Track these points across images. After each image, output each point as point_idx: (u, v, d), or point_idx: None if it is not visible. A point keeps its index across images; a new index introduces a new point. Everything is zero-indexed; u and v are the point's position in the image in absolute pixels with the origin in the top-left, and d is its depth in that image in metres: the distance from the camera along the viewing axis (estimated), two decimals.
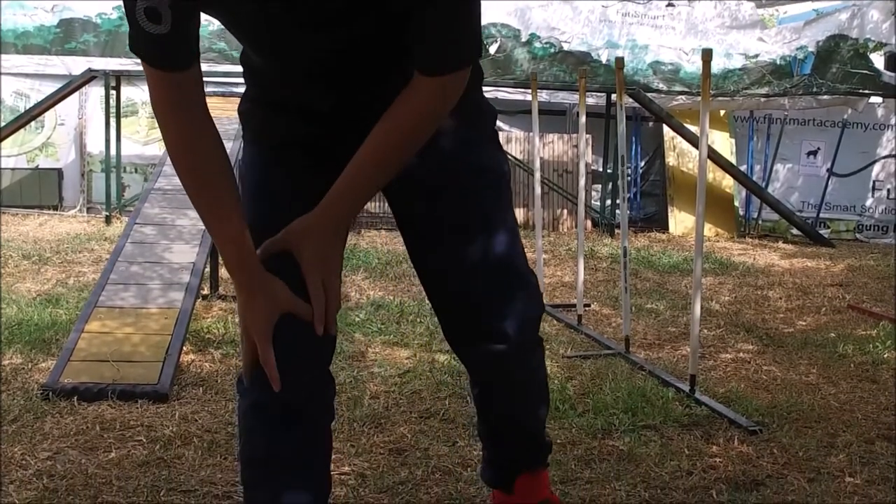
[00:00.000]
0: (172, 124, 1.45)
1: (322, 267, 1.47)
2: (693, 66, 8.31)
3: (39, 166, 8.08)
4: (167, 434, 2.63)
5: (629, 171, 8.21)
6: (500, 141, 1.77)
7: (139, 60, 1.43)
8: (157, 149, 7.76)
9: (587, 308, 4.54)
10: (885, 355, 3.84)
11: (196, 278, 3.67)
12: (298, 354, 1.50)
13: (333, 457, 1.74)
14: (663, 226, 8.25)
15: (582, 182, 4.27)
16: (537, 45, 8.27)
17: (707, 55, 3.09)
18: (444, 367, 3.39)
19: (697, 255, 3.19)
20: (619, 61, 3.60)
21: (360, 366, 3.41)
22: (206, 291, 4.32)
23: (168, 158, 4.58)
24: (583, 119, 4.18)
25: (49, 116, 7.95)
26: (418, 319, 4.17)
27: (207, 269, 4.08)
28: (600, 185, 8.12)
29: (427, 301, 1.75)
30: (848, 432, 2.84)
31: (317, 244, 1.47)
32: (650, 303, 4.86)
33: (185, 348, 3.38)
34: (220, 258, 4.09)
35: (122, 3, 1.40)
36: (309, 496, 1.56)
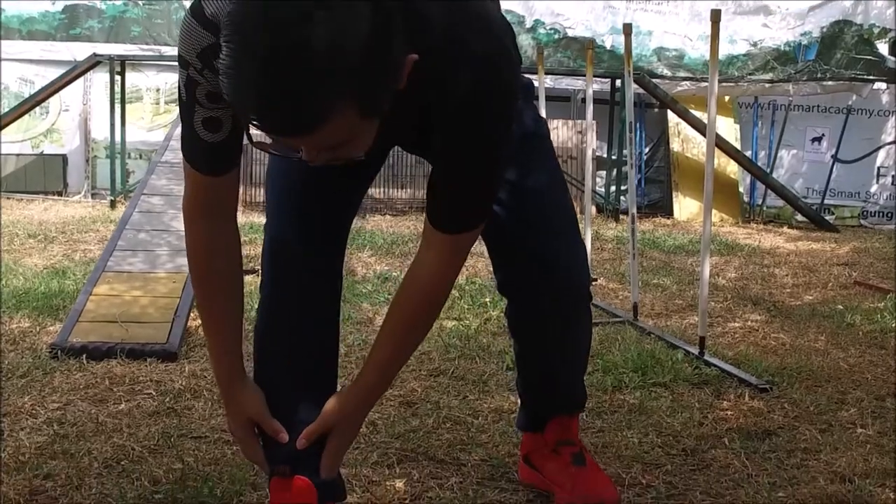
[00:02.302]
0: (200, 228, 1.51)
1: (344, 436, 1.61)
2: (697, 52, 8.30)
3: (44, 152, 8.08)
4: (177, 387, 2.63)
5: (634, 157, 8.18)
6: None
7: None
8: (162, 135, 7.74)
9: (594, 282, 4.53)
10: (894, 325, 3.83)
11: None
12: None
13: None
14: (668, 212, 8.24)
15: (589, 153, 4.26)
16: (541, 31, 8.26)
17: (715, 16, 3.08)
18: (452, 332, 3.39)
19: (707, 215, 3.19)
20: (627, 27, 3.59)
21: (369, 330, 3.40)
22: None
23: (175, 132, 4.58)
24: (590, 91, 4.17)
25: (54, 102, 7.93)
26: None
27: None
28: (604, 172, 8.10)
29: None
30: (858, 390, 2.85)
31: (347, 422, 1.59)
32: (657, 279, 4.85)
33: (192, 315, 3.38)
34: None
35: (179, 110, 1.42)
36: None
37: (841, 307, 4.19)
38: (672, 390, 2.76)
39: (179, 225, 3.81)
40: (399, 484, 1.98)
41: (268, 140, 1.27)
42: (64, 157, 8.10)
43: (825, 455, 2.25)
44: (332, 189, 1.62)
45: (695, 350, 3.15)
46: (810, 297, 4.53)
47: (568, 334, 1.85)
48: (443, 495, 1.93)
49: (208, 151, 1.42)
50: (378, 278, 4.47)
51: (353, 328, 3.42)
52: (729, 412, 2.58)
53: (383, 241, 5.70)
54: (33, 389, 2.58)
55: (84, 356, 2.86)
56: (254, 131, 1.22)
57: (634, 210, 3.80)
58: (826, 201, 8.51)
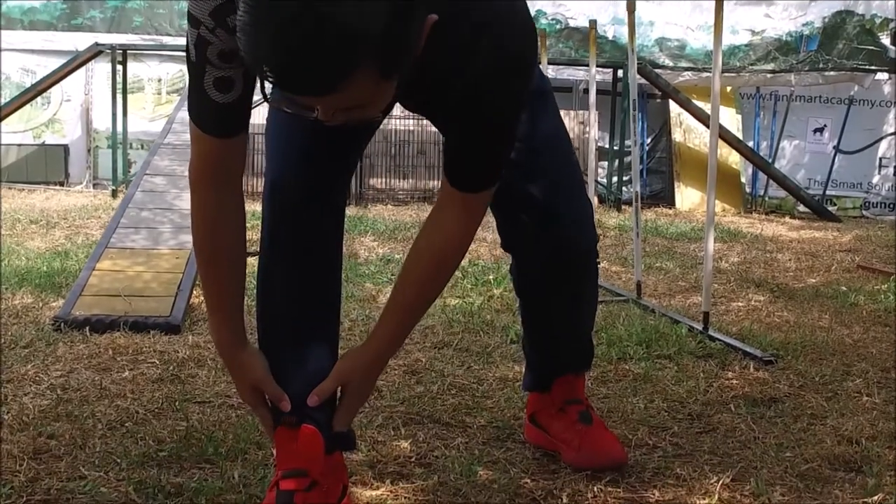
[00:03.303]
0: (205, 197, 1.48)
1: (358, 393, 1.59)
2: (699, 42, 8.29)
3: (45, 142, 8.07)
4: (180, 357, 2.63)
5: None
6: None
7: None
8: (164, 125, 7.73)
9: (597, 263, 4.51)
10: None
11: None
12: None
13: None
14: (670, 202, 8.23)
15: (593, 133, 4.26)
16: (543, 21, 8.24)
17: None
18: (456, 308, 3.38)
19: (710, 189, 3.18)
20: (630, 4, 3.58)
21: (372, 307, 3.39)
22: None
23: (177, 116, 4.55)
24: (593, 71, 4.16)
25: (55, 93, 7.93)
26: None
27: None
28: (606, 163, 8.09)
29: None
30: (863, 363, 2.84)
31: (360, 379, 1.58)
32: (659, 262, 4.84)
33: (195, 292, 3.37)
34: None
35: (188, 71, 1.40)
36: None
37: (844, 289, 4.18)
38: (677, 362, 2.76)
39: (182, 203, 3.80)
40: (405, 444, 1.97)
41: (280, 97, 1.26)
42: (65, 148, 8.10)
43: (832, 420, 2.24)
44: (334, 135, 1.61)
45: (699, 326, 3.14)
46: (813, 280, 4.52)
47: (572, 289, 1.84)
48: (448, 454, 1.92)
49: (219, 112, 1.39)
50: (381, 260, 4.46)
51: (357, 305, 3.42)
52: (734, 381, 2.57)
53: (385, 228, 5.69)
54: (36, 359, 2.58)
55: (87, 329, 2.86)
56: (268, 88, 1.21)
57: (638, 188, 3.79)
58: (828, 192, 8.50)
